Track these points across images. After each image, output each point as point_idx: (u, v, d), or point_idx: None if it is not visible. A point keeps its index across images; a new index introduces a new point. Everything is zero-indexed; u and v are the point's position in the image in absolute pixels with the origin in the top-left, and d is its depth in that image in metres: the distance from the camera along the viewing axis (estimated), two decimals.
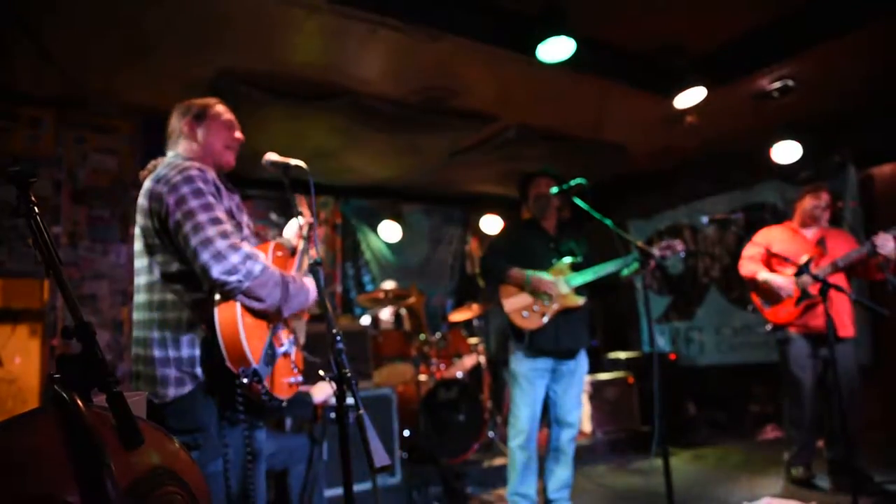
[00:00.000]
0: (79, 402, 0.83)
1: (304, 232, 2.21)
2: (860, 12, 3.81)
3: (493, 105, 4.73)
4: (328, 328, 1.64)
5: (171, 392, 1.80)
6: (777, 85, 4.57)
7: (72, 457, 0.78)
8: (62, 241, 4.31)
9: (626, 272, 3.34)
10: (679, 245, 3.21)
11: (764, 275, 3.88)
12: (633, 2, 3.64)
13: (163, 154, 2.12)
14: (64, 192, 4.34)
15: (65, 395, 0.83)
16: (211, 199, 1.83)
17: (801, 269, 3.53)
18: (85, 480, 0.76)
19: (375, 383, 4.51)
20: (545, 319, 3.33)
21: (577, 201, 3.26)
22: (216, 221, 1.78)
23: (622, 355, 6.09)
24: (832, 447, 3.93)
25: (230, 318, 1.75)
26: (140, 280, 1.93)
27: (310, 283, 2.04)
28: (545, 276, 3.36)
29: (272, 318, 1.92)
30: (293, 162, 2.02)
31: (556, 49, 3.65)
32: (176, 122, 2.10)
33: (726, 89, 4.55)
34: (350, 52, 3.83)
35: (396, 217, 6.53)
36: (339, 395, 1.58)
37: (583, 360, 3.56)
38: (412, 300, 5.61)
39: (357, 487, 3.82)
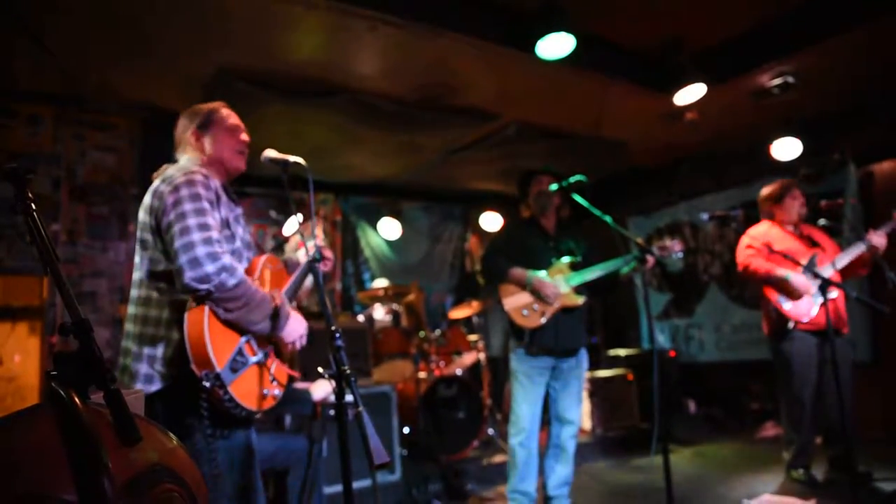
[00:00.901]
0: (76, 399, 0.83)
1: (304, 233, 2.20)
2: (860, 9, 3.80)
3: (492, 102, 4.72)
4: (327, 325, 1.64)
5: (139, 387, 1.82)
6: (777, 82, 4.57)
7: (69, 454, 0.78)
8: (61, 239, 4.31)
9: (625, 270, 3.35)
10: (677, 245, 3.21)
11: (782, 271, 3.76)
12: None
13: (163, 152, 2.14)
14: (63, 189, 4.34)
15: (62, 392, 0.83)
16: (206, 205, 1.85)
17: (807, 268, 3.50)
18: (82, 478, 0.76)
19: (375, 380, 4.51)
20: (545, 318, 3.34)
21: (577, 198, 3.25)
22: (203, 227, 1.79)
23: (622, 352, 6.09)
24: (830, 445, 3.94)
25: (198, 320, 1.76)
26: (134, 275, 1.98)
27: (295, 319, 2.04)
28: (546, 278, 3.36)
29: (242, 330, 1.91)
30: (292, 159, 2.01)
31: (556, 46, 3.65)
32: (182, 132, 2.11)
33: (726, 86, 4.54)
34: (349, 49, 3.82)
35: (396, 214, 6.52)
36: (339, 393, 1.57)
37: (583, 358, 3.56)
38: (412, 297, 5.61)
39: (356, 485, 3.82)
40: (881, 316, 3.85)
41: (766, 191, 4.11)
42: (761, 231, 4.03)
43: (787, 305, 3.82)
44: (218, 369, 1.74)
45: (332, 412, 3.03)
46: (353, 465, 1.62)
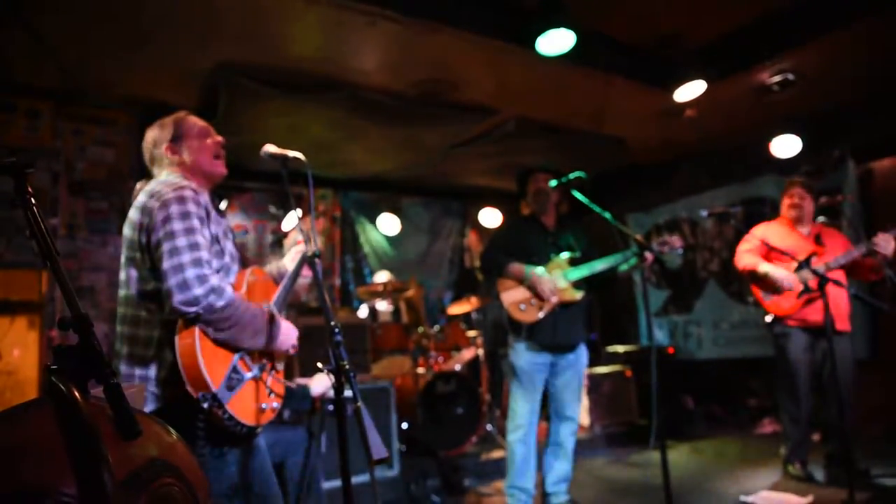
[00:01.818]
0: (76, 393, 0.83)
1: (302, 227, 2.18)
2: (860, 6, 3.80)
3: (492, 98, 4.72)
4: (326, 321, 1.64)
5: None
6: (777, 79, 4.56)
7: (69, 448, 0.78)
8: (60, 233, 4.31)
9: (624, 267, 3.35)
10: (677, 241, 3.22)
11: (765, 267, 3.87)
12: None
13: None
14: (62, 183, 4.34)
15: (62, 386, 0.83)
16: (196, 222, 1.80)
17: (802, 265, 3.54)
18: (82, 471, 0.76)
19: (374, 376, 4.52)
20: (542, 313, 3.34)
21: (576, 194, 3.26)
22: (193, 248, 1.75)
23: (620, 349, 6.10)
24: (829, 441, 3.95)
25: (189, 342, 1.74)
26: (121, 292, 1.92)
27: (286, 328, 2.01)
28: (544, 274, 3.37)
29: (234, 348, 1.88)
30: (291, 154, 2.00)
31: (556, 42, 3.64)
32: (155, 149, 2.04)
33: (726, 83, 4.54)
34: (349, 45, 3.81)
35: (395, 210, 6.52)
36: (338, 388, 1.58)
37: (582, 354, 3.57)
38: (411, 293, 5.61)
39: (355, 480, 3.83)
40: (880, 313, 3.88)
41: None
42: (761, 228, 4.07)
43: (768, 299, 3.95)
44: (214, 389, 1.72)
45: (330, 407, 3.04)
46: (351, 460, 1.62)
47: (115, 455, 0.81)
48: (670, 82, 4.37)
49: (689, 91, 4.39)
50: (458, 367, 5.09)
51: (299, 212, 2.12)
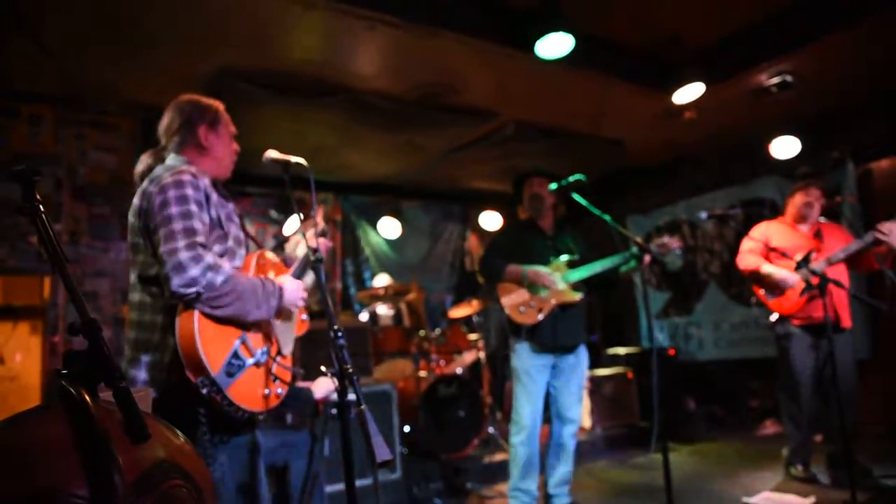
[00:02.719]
0: (86, 396, 0.84)
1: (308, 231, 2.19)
2: (858, 7, 3.82)
3: (491, 101, 4.74)
4: (329, 324, 1.65)
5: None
6: (775, 80, 4.59)
7: (80, 451, 0.79)
8: (63, 239, 4.32)
9: (624, 268, 3.37)
10: (675, 242, 3.23)
11: (767, 267, 3.88)
12: None
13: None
14: (64, 189, 4.35)
15: (72, 390, 0.85)
16: (193, 207, 1.81)
17: (801, 264, 3.57)
18: (93, 474, 0.78)
19: (376, 379, 4.53)
20: (542, 315, 3.37)
21: (576, 197, 3.27)
22: (189, 232, 1.75)
23: (621, 351, 6.11)
24: (831, 441, 3.96)
25: (188, 326, 1.73)
26: (130, 278, 1.95)
27: (290, 285, 2.00)
28: (542, 269, 3.39)
29: (241, 326, 1.87)
30: (293, 159, 2.02)
31: (555, 45, 3.67)
32: (184, 123, 2.04)
33: (725, 85, 4.57)
34: (348, 49, 3.84)
35: (396, 213, 6.54)
36: (341, 391, 1.59)
37: (583, 356, 3.58)
38: (412, 296, 5.62)
39: (357, 483, 3.83)
40: (880, 313, 3.88)
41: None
42: (762, 228, 4.09)
43: (772, 298, 3.95)
44: (213, 375, 1.71)
45: (333, 410, 3.05)
46: (354, 463, 1.63)
47: (125, 458, 0.82)
48: (669, 84, 4.39)
49: (688, 93, 4.41)
50: (459, 370, 5.10)
51: (301, 215, 2.14)
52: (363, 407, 1.51)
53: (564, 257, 3.50)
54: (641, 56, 4.39)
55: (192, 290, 1.70)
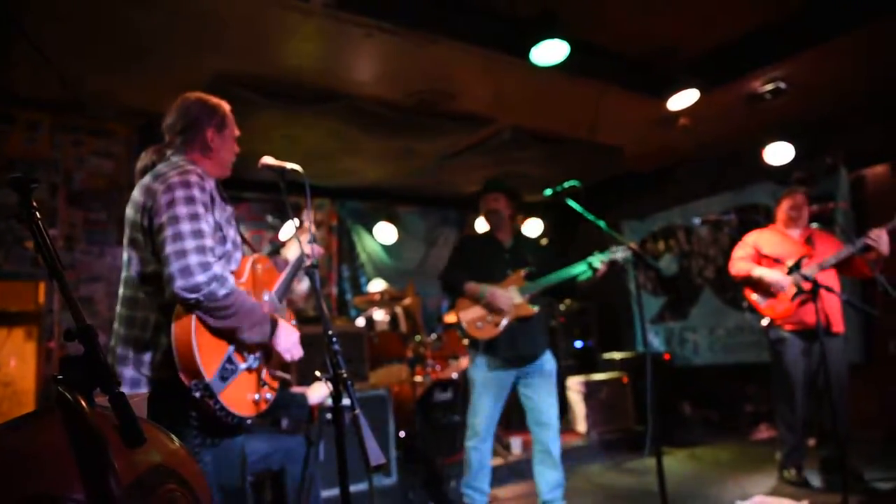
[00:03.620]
0: (82, 402, 0.85)
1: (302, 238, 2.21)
2: (851, 16, 3.85)
3: (487, 108, 4.76)
4: (324, 329, 1.66)
5: (125, 391, 1.80)
6: (769, 87, 4.62)
7: (76, 456, 0.81)
8: (58, 244, 4.32)
9: (581, 278, 3.47)
10: (622, 253, 3.32)
11: (758, 270, 3.91)
12: (626, 5, 3.68)
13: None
14: (60, 194, 4.35)
15: (69, 395, 0.86)
16: (200, 209, 1.80)
17: (792, 269, 3.60)
18: (89, 479, 0.79)
19: (371, 384, 4.53)
20: (499, 330, 3.47)
21: (571, 203, 3.29)
22: (197, 234, 1.75)
23: (617, 356, 6.13)
24: (824, 446, 3.97)
25: (185, 329, 1.73)
26: (123, 273, 1.94)
27: (284, 330, 2.01)
28: (499, 290, 3.48)
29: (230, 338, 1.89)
30: (289, 165, 2.04)
31: (550, 52, 3.69)
32: (192, 126, 2.04)
33: (719, 91, 4.60)
34: (345, 56, 3.86)
35: (392, 219, 6.55)
36: (336, 396, 1.60)
37: (547, 359, 3.63)
38: (408, 301, 5.63)
39: (353, 488, 3.83)
40: (872, 317, 3.91)
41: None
42: (753, 236, 4.11)
43: (763, 303, 3.98)
44: (207, 379, 1.72)
45: (328, 415, 3.06)
46: (350, 468, 1.64)
47: (121, 462, 0.83)
48: (664, 91, 4.42)
49: (683, 100, 4.44)
50: (455, 375, 5.11)
51: (296, 221, 2.16)
52: (357, 412, 1.52)
53: (521, 270, 3.59)
54: (636, 63, 4.42)
55: (194, 296, 1.70)
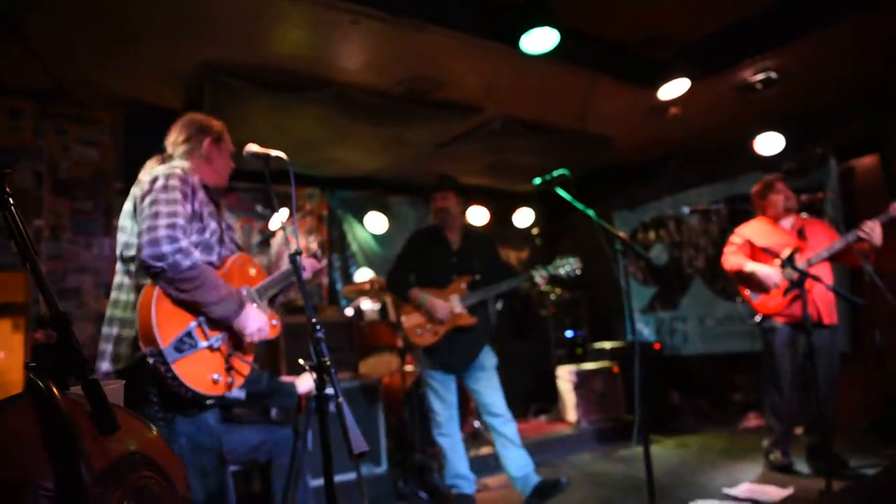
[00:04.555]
0: (54, 389, 0.84)
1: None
2: (841, 5, 3.85)
3: (478, 96, 4.73)
4: (308, 318, 1.65)
5: (104, 367, 1.95)
6: (760, 77, 4.61)
7: (46, 443, 0.79)
8: (44, 234, 4.27)
9: (524, 286, 3.71)
10: (576, 265, 3.62)
11: (751, 266, 3.92)
12: None
13: (147, 147, 2.37)
14: (45, 184, 4.30)
15: (40, 382, 0.84)
16: (178, 195, 2.00)
17: (786, 262, 3.60)
18: (59, 465, 0.78)
19: (361, 374, 4.53)
20: (437, 338, 3.62)
21: (560, 192, 3.28)
22: (172, 214, 1.93)
23: (607, 345, 6.15)
24: (810, 434, 4.01)
25: (147, 298, 1.88)
26: (118, 261, 2.13)
27: (254, 313, 2.13)
28: (439, 301, 3.62)
29: (196, 312, 2.00)
30: (273, 153, 2.02)
31: (540, 40, 3.67)
32: (190, 136, 2.29)
33: (710, 81, 4.59)
34: (333, 43, 3.82)
35: (383, 208, 6.52)
36: (319, 384, 1.59)
37: (486, 356, 3.76)
38: None
39: (343, 477, 3.84)
40: (860, 308, 3.94)
41: (754, 188, 4.21)
42: (746, 228, 4.12)
43: (756, 298, 4.00)
44: (161, 346, 1.82)
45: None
46: (339, 457, 1.63)
47: (93, 449, 0.82)
48: (654, 81, 4.41)
49: (673, 89, 4.43)
50: None
51: (286, 211, 2.19)
52: (341, 399, 1.51)
53: (465, 277, 3.73)
54: (627, 52, 4.40)
55: (159, 264, 1.85)
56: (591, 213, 3.10)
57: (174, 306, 1.92)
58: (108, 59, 3.84)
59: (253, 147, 2.04)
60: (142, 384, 1.88)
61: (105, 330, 2.03)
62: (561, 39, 3.66)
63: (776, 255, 3.63)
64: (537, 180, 3.43)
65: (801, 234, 3.98)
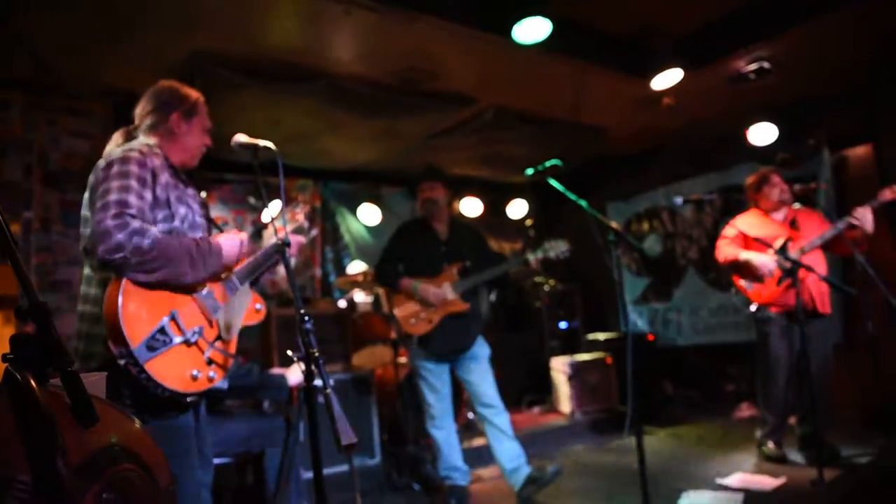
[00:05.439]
0: (31, 380, 0.83)
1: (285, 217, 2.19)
2: None
3: (470, 87, 4.71)
4: (296, 309, 1.64)
5: (78, 366, 1.80)
6: (753, 67, 4.60)
7: (23, 436, 0.78)
8: (34, 227, 4.23)
9: (514, 269, 3.74)
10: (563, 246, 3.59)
11: (745, 254, 3.92)
12: None
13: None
14: (35, 175, 4.26)
15: (17, 374, 0.83)
16: (133, 182, 1.82)
17: (779, 252, 3.61)
18: (36, 459, 0.76)
19: (354, 366, 4.52)
20: (432, 326, 3.62)
21: (552, 182, 3.27)
22: (121, 204, 1.75)
23: (601, 336, 6.16)
24: (804, 424, 4.02)
25: (112, 296, 1.72)
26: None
27: (227, 241, 2.00)
28: (431, 287, 3.63)
29: (174, 302, 1.85)
30: (262, 143, 2.00)
31: (532, 30, 3.65)
32: (159, 110, 2.08)
33: (703, 71, 4.58)
34: (325, 34, 3.79)
35: (376, 200, 6.50)
36: (308, 375, 1.58)
37: (479, 346, 3.77)
38: None
39: (336, 469, 3.84)
40: (852, 298, 3.96)
41: (748, 180, 4.20)
42: (739, 220, 4.13)
43: (751, 288, 4.01)
44: (132, 347, 1.68)
45: None
46: (332, 449, 1.62)
47: (72, 442, 0.81)
48: (648, 71, 4.39)
49: (667, 79, 4.42)
50: None
51: (278, 202, 2.14)
52: (329, 391, 1.50)
53: (455, 264, 3.73)
54: (620, 42, 4.39)
55: (119, 255, 1.68)
56: (584, 203, 3.08)
57: (145, 300, 1.76)
58: (99, 48, 3.79)
59: (241, 137, 2.01)
60: (116, 385, 1.71)
61: (77, 326, 1.90)
62: (553, 29, 3.64)
63: (769, 246, 3.63)
64: (530, 171, 3.42)
65: (793, 224, 3.98)
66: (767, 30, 4.19)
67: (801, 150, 5.40)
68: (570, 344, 6.61)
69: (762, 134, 5.20)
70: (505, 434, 3.64)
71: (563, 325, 6.78)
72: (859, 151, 5.30)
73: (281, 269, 2.53)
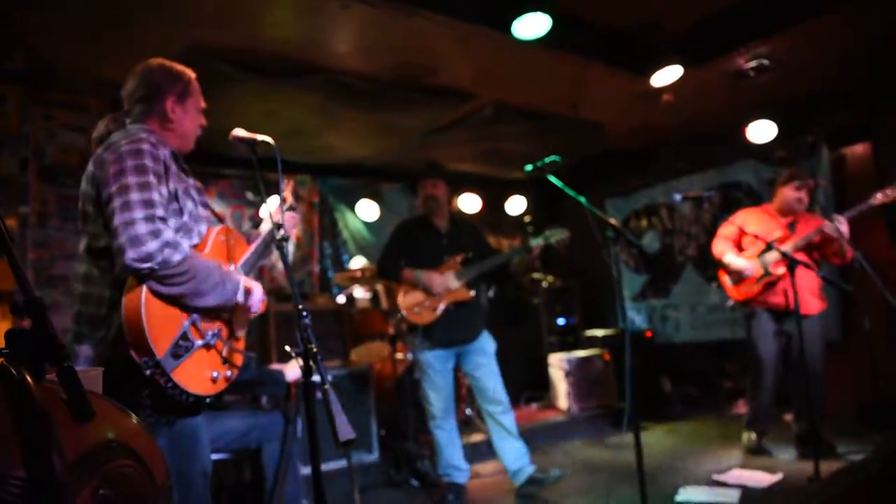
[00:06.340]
0: (26, 375, 0.82)
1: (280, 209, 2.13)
2: None
3: (469, 83, 4.69)
4: (294, 304, 1.63)
5: (80, 370, 1.73)
6: (753, 64, 4.59)
7: (18, 431, 0.77)
8: (31, 221, 4.21)
9: (516, 259, 3.71)
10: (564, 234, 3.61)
11: (728, 258, 4.06)
12: None
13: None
14: (31, 170, 4.24)
15: (12, 369, 0.82)
16: (152, 178, 1.73)
17: (768, 247, 3.70)
18: (30, 455, 0.76)
19: (353, 361, 4.52)
20: (436, 314, 3.61)
21: (552, 178, 3.27)
22: (147, 204, 1.67)
23: (599, 333, 6.16)
24: (800, 420, 4.04)
25: (134, 304, 1.65)
26: (79, 248, 1.89)
27: (257, 287, 1.94)
28: (435, 274, 3.64)
29: (190, 307, 1.78)
30: (260, 137, 1.99)
31: (532, 26, 3.64)
32: (149, 95, 1.97)
33: (702, 68, 4.56)
34: (323, 28, 3.77)
35: (374, 195, 6.49)
36: (306, 371, 1.57)
37: (485, 339, 3.77)
38: None
39: (334, 465, 3.85)
40: (849, 295, 3.99)
41: (783, 176, 4.23)
42: (742, 214, 4.22)
43: (732, 285, 4.18)
44: (158, 357, 1.63)
45: None
46: (330, 445, 1.61)
47: (68, 437, 0.80)
48: (647, 67, 4.38)
49: (666, 76, 4.41)
50: None
51: (276, 198, 2.11)
52: (327, 386, 1.50)
53: (458, 255, 3.73)
54: (619, 38, 4.37)
55: (147, 265, 1.62)
56: (582, 200, 3.08)
57: (165, 307, 1.70)
58: (96, 41, 3.77)
59: (239, 132, 1.99)
60: (132, 385, 1.67)
61: (75, 328, 1.80)
62: (553, 25, 3.63)
63: (760, 239, 3.73)
64: (529, 167, 3.42)
65: (791, 227, 4.02)
66: (767, 27, 4.18)
67: (799, 148, 5.40)
68: (568, 340, 6.61)
69: (761, 131, 5.20)
70: (510, 433, 3.63)
71: (561, 321, 6.79)
72: (858, 149, 5.30)
73: (279, 264, 2.49)
